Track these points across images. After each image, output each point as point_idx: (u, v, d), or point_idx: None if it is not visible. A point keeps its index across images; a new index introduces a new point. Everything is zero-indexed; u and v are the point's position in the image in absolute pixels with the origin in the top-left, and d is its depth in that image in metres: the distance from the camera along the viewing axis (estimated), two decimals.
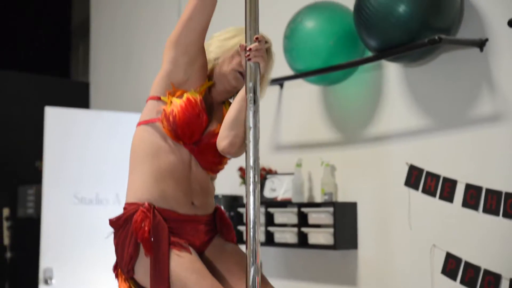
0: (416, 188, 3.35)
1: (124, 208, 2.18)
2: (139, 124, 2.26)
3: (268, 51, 2.23)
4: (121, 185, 4.97)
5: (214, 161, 2.25)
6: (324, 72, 3.64)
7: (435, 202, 3.26)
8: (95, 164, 4.93)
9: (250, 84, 2.02)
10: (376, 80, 3.72)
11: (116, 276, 2.22)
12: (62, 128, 4.90)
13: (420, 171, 3.35)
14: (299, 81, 4.05)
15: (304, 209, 3.82)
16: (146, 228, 2.06)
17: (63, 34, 7.94)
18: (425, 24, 3.05)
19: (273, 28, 4.32)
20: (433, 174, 3.28)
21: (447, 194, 3.20)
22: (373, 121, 3.72)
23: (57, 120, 4.88)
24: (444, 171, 3.24)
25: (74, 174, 4.86)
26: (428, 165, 3.33)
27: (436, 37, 2.97)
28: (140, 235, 2.06)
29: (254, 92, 2.02)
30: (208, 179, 2.28)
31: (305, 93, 4.16)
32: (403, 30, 3.08)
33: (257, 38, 2.05)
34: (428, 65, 3.40)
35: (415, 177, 3.36)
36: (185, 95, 2.17)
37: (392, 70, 3.62)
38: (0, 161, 6.23)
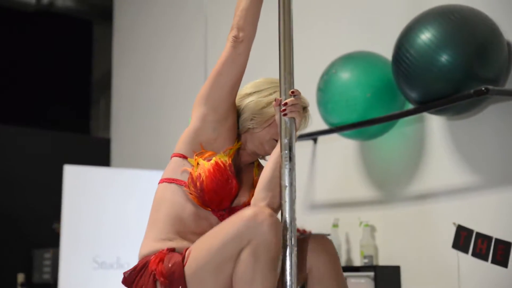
0: (466, 251, 3.26)
1: (136, 265, 2.16)
2: (162, 181, 2.24)
3: (304, 110, 2.22)
4: None
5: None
6: (361, 126, 3.62)
7: (487, 267, 3.17)
8: (115, 225, 4.92)
9: (285, 141, 2.01)
10: (417, 134, 3.68)
11: None
12: (82, 187, 4.92)
13: (469, 232, 3.26)
14: (334, 136, 4.03)
15: None
16: (160, 261, 2.04)
17: (83, 88, 8.08)
18: (470, 74, 3.02)
19: (306, 80, 4.34)
20: (484, 235, 3.19)
21: (501, 257, 3.10)
22: (416, 178, 3.66)
23: (76, 179, 4.90)
24: (496, 233, 3.16)
25: (93, 236, 4.85)
26: (478, 226, 3.25)
27: (483, 88, 2.93)
28: (158, 272, 2.02)
29: (290, 149, 2.01)
30: None
31: (341, 148, 4.13)
32: (446, 80, 3.06)
33: (292, 92, 2.05)
34: (475, 118, 3.36)
35: (464, 239, 3.27)
36: (214, 159, 2.15)
37: (435, 123, 3.59)
38: (15, 223, 6.25)
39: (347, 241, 3.99)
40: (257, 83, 2.34)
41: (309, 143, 4.34)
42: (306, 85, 4.26)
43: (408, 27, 3.23)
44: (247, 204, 2.20)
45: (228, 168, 2.15)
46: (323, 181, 4.27)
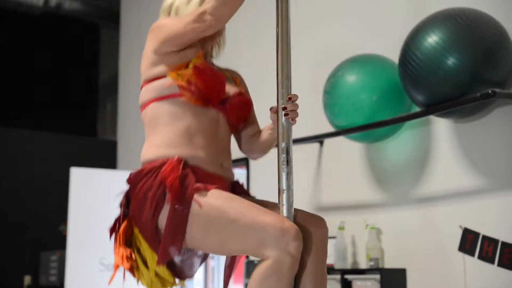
0: (472, 253, 3.28)
1: (143, 167, 2.15)
2: (147, 104, 2.24)
3: None
4: None
5: (243, 115, 2.30)
6: (368, 129, 3.64)
7: (494, 270, 3.19)
8: None
9: (283, 145, 2.03)
10: (424, 136, 3.70)
11: (115, 237, 2.19)
12: (88, 189, 4.95)
13: (475, 235, 3.28)
14: (341, 139, 4.05)
15: (347, 276, 3.76)
16: (176, 176, 2.04)
17: (90, 91, 8.13)
18: (477, 77, 3.04)
19: (312, 82, 4.37)
20: (491, 238, 3.21)
21: (507, 260, 3.12)
22: (422, 180, 3.68)
23: (82, 181, 4.94)
24: (502, 236, 3.18)
25: (100, 238, 4.87)
26: (484, 229, 3.27)
27: (490, 91, 2.95)
28: (169, 182, 2.03)
29: (287, 153, 2.03)
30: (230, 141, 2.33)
31: (347, 151, 4.16)
32: (453, 83, 3.08)
33: (290, 98, 2.08)
34: (481, 121, 3.38)
35: (471, 242, 3.29)
36: (190, 65, 2.19)
37: (441, 126, 3.61)
38: (22, 225, 6.30)
39: (353, 244, 4.01)
40: None
41: (315, 145, 4.37)
42: (313, 88, 4.29)
43: (415, 30, 3.25)
44: (240, 92, 2.27)
45: (204, 62, 2.20)
46: (329, 183, 4.29)
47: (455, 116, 3.33)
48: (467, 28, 3.09)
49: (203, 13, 2.07)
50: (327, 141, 4.32)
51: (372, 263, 3.71)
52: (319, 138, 4.12)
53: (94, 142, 7.38)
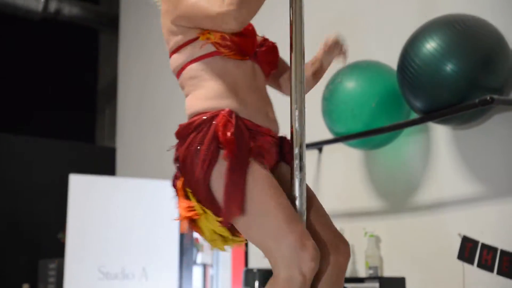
0: (471, 262, 3.26)
1: (192, 120, 2.09)
2: (184, 67, 2.19)
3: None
4: (149, 258, 4.99)
5: (273, 61, 2.30)
6: (366, 136, 3.63)
7: (493, 278, 3.17)
8: (121, 235, 4.94)
9: (296, 151, 2.02)
10: (422, 143, 3.69)
11: (177, 191, 2.11)
12: (87, 196, 4.94)
13: (474, 243, 3.26)
14: (339, 145, 4.04)
15: (346, 285, 3.74)
16: (230, 131, 1.98)
17: (89, 97, 8.13)
18: (475, 83, 3.03)
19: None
20: (490, 246, 3.19)
21: (506, 269, 3.10)
22: (421, 188, 3.66)
23: (81, 188, 4.92)
24: (501, 244, 3.16)
25: (99, 246, 4.87)
26: (483, 237, 3.25)
27: (488, 97, 2.94)
28: (222, 136, 1.97)
29: (300, 159, 2.01)
30: None
31: (346, 157, 4.14)
32: (451, 90, 3.07)
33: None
34: (480, 127, 3.36)
35: (470, 250, 3.28)
36: None
37: (440, 133, 3.59)
38: (21, 233, 6.29)
39: (352, 252, 3.99)
40: None
41: (314, 152, 4.35)
42: (311, 94, 4.27)
43: (413, 36, 3.24)
44: (264, 39, 2.28)
45: None
46: (328, 190, 4.27)
47: (453, 122, 3.31)
48: (465, 35, 3.08)
49: (229, 16, 2.01)
50: (326, 148, 4.30)
51: (371, 271, 3.69)
52: (317, 145, 4.11)
53: (93, 148, 7.37)
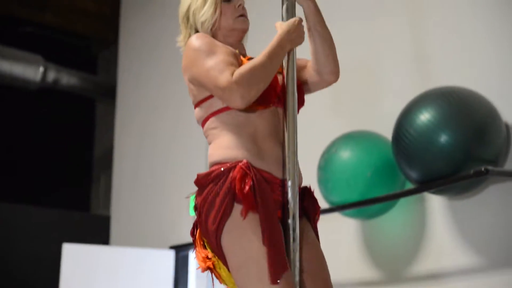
0: None
1: (211, 170, 2.08)
2: (207, 118, 2.18)
3: None
4: None
5: (300, 100, 2.26)
6: (362, 205, 3.63)
7: None
8: None
9: (289, 221, 2.02)
10: (418, 214, 3.69)
11: (194, 242, 2.10)
12: (81, 266, 4.89)
13: None
14: (335, 215, 4.03)
15: None
16: (247, 185, 1.96)
17: (85, 165, 8.13)
18: (470, 154, 3.06)
19: (306, 158, 4.38)
20: None
21: None
22: (417, 258, 3.65)
23: (75, 257, 4.88)
24: None
25: None
26: None
27: (483, 169, 2.96)
28: (239, 191, 1.96)
29: (294, 230, 2.02)
30: None
31: (342, 227, 4.13)
32: (446, 161, 3.10)
33: None
34: (475, 198, 3.38)
35: None
36: None
37: (436, 203, 3.60)
38: None
39: None
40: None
41: None
42: (307, 164, 4.30)
43: (408, 108, 3.29)
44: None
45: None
46: None
47: (449, 193, 3.33)
48: (459, 106, 3.13)
49: (236, 92, 2.02)
50: (321, 217, 4.27)
51: None
52: None
53: (87, 217, 7.34)
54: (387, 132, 3.58)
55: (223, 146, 2.11)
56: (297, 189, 2.07)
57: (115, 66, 7.59)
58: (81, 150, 8.20)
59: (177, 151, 6.02)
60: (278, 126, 2.17)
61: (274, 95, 2.16)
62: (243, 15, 2.29)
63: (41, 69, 7.25)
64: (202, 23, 2.27)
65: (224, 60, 2.09)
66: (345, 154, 3.71)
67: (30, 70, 7.20)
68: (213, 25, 2.27)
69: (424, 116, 3.16)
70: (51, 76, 7.37)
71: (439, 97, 3.19)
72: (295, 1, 2.22)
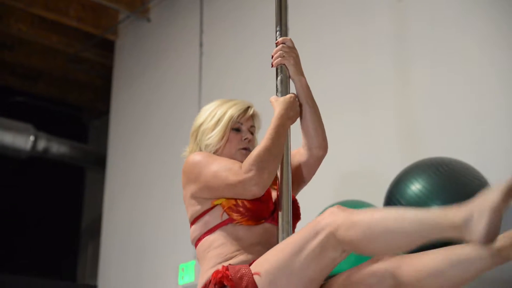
0: None
1: None
2: (200, 239, 2.18)
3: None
4: None
5: (295, 216, 2.24)
6: None
7: None
8: None
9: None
10: None
11: None
12: None
13: None
14: None
15: None
16: (225, 273, 1.96)
17: (72, 234, 8.03)
18: None
19: (298, 227, 4.35)
20: None
21: None
22: None
23: None
24: None
25: None
26: None
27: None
28: (225, 276, 1.94)
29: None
30: None
31: None
32: None
33: (277, 43, 2.26)
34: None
35: None
36: None
37: None
38: None
39: None
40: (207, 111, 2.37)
41: None
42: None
43: (399, 178, 3.30)
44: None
45: None
46: None
47: None
48: (449, 177, 3.14)
49: (249, 181, 2.04)
50: None
51: None
52: None
53: (74, 287, 7.19)
54: (378, 202, 3.57)
55: (209, 267, 2.11)
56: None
57: (106, 136, 7.60)
58: (69, 218, 8.11)
59: (167, 222, 5.97)
60: (272, 239, 2.17)
61: (266, 213, 2.17)
62: (246, 149, 2.32)
63: (32, 138, 7.24)
64: (206, 146, 2.31)
65: (228, 161, 2.15)
66: None
67: (21, 139, 7.19)
68: (217, 150, 2.31)
69: (415, 187, 3.16)
70: (42, 144, 7.36)
71: (428, 168, 3.20)
72: (289, 75, 2.27)
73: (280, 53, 2.27)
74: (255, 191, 2.05)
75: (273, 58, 2.29)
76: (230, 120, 2.29)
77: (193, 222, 2.23)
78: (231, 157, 2.28)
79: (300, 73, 2.29)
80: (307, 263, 1.88)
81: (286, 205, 2.13)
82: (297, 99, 2.27)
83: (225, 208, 2.13)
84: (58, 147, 7.47)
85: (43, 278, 6.72)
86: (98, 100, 8.21)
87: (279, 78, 2.27)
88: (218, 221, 2.15)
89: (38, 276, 6.77)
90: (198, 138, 2.33)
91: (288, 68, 2.27)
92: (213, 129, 2.29)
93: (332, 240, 1.85)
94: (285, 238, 2.06)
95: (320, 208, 3.92)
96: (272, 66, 2.28)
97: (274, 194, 2.24)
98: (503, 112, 3.54)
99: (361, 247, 1.84)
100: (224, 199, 2.14)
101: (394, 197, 3.24)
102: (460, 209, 1.76)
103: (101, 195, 7.28)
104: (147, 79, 6.80)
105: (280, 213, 2.11)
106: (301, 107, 2.29)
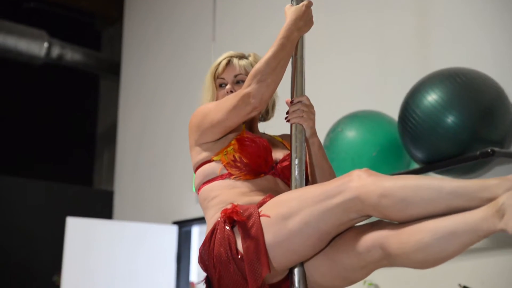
0: None
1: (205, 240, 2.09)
2: (200, 188, 2.22)
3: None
4: None
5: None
6: None
7: None
8: (118, 280, 4.86)
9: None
10: None
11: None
12: (83, 240, 4.88)
13: None
14: None
15: None
16: (234, 211, 1.99)
17: (88, 141, 8.10)
18: (476, 135, 3.04)
19: None
20: None
21: None
22: None
23: (78, 231, 4.87)
24: None
25: None
26: (483, 287, 3.22)
27: (489, 150, 2.94)
28: (234, 212, 1.97)
29: None
30: None
31: None
32: (452, 141, 3.07)
33: (291, 102, 2.15)
34: (481, 179, 3.36)
35: None
36: (232, 141, 2.17)
37: None
38: (15, 276, 6.17)
39: None
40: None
41: None
42: None
43: (415, 88, 3.26)
44: (286, 156, 2.19)
45: (246, 134, 2.18)
46: None
47: (454, 173, 3.31)
48: (466, 87, 3.10)
49: (247, 95, 2.05)
50: None
51: None
52: None
53: (90, 191, 7.32)
54: (393, 112, 3.55)
55: (214, 212, 2.11)
56: (304, 167, 2.07)
57: (120, 43, 7.53)
58: (84, 125, 8.16)
59: (181, 127, 5.99)
60: (274, 188, 2.15)
61: (265, 167, 2.16)
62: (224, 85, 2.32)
63: (46, 44, 7.19)
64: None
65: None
66: (351, 134, 3.68)
67: (35, 46, 7.15)
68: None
69: (431, 97, 3.13)
70: (56, 51, 7.31)
71: (446, 78, 3.16)
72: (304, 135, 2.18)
73: (299, 112, 2.16)
74: (254, 104, 2.05)
75: (290, 114, 2.16)
76: (211, 81, 2.32)
77: (195, 170, 2.26)
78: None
79: (315, 134, 2.22)
80: (325, 218, 1.87)
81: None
82: (311, 10, 2.19)
83: (224, 163, 2.15)
84: (72, 54, 7.43)
85: (60, 183, 6.84)
86: (111, 6, 8.08)
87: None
88: (219, 173, 2.16)
89: (55, 181, 6.88)
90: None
91: (305, 129, 2.15)
92: (204, 95, 2.34)
93: (359, 204, 1.82)
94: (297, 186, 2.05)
95: (334, 118, 3.91)
96: (287, 121, 2.17)
97: (279, 154, 2.23)
98: None
99: (391, 215, 1.80)
100: (222, 155, 2.16)
101: (409, 108, 3.22)
102: (501, 185, 1.70)
103: (116, 103, 7.30)
104: None
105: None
106: (312, 168, 2.22)
